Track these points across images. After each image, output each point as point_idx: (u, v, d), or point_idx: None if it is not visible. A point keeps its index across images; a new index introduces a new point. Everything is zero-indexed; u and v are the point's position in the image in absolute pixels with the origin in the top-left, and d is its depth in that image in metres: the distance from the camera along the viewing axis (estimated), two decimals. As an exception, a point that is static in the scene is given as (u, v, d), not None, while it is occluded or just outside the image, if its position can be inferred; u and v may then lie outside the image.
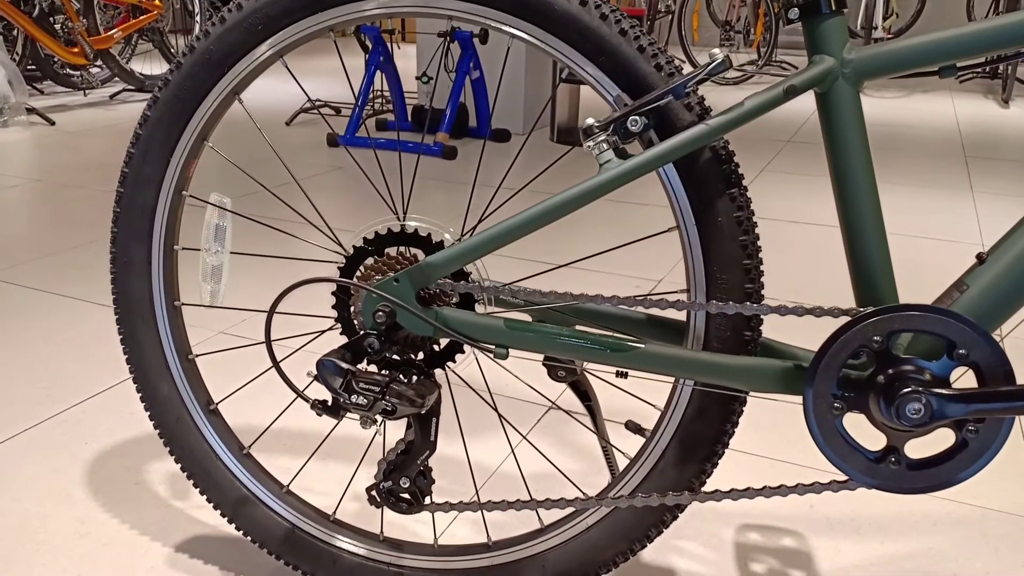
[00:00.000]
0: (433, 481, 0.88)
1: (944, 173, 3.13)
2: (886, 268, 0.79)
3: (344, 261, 0.88)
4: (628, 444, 0.94)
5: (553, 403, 1.11)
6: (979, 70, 5.80)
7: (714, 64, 0.75)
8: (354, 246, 0.87)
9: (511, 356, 0.81)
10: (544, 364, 1.00)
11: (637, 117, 0.78)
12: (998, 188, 2.92)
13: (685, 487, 0.86)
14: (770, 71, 6.13)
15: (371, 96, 3.78)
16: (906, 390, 0.73)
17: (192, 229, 0.96)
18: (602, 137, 0.79)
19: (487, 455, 1.26)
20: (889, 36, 5.44)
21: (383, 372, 0.85)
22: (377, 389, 0.80)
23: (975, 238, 2.35)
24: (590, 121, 0.79)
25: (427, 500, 0.87)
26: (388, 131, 3.69)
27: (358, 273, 0.88)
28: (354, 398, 0.80)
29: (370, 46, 3.53)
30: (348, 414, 0.83)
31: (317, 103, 3.95)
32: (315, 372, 0.82)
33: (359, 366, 0.84)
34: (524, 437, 1.31)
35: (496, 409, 1.03)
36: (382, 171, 1.00)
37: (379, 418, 0.81)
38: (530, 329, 0.82)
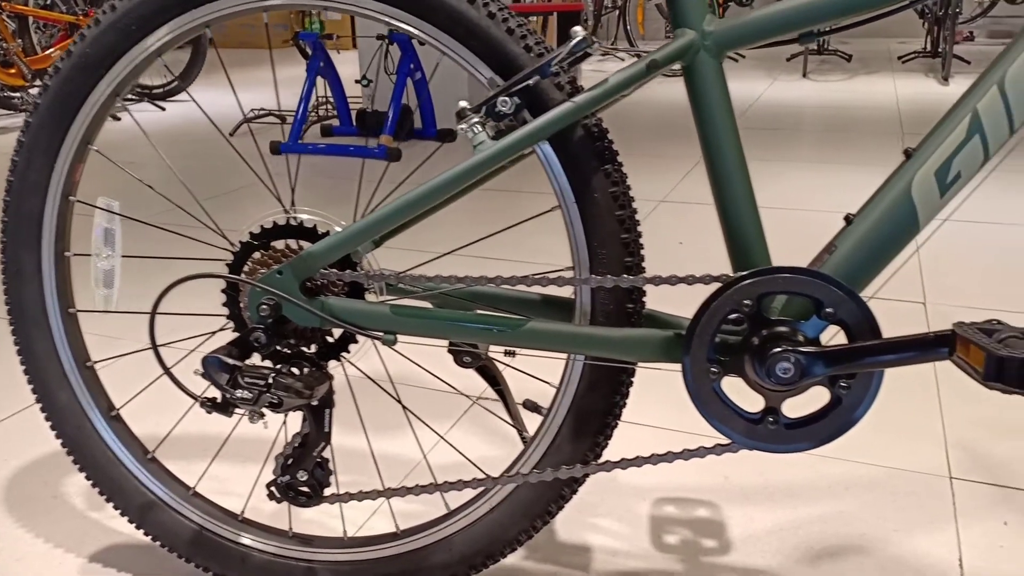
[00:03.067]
0: (331, 472, 0.88)
1: (882, 151, 3.19)
2: (757, 234, 0.81)
3: (232, 257, 0.88)
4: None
5: (475, 400, 1.12)
6: (921, 50, 5.92)
7: (575, 43, 0.76)
8: (241, 241, 0.87)
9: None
10: (449, 351, 1.00)
11: (507, 98, 0.79)
12: (931, 163, 2.98)
13: (580, 460, 0.87)
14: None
15: (315, 102, 3.77)
16: (776, 350, 0.75)
17: (85, 235, 0.95)
18: (475, 119, 0.80)
19: (410, 448, 1.27)
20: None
21: (276, 366, 0.85)
22: (262, 383, 0.80)
23: (905, 212, 2.40)
24: (463, 104, 0.80)
25: (327, 491, 0.88)
26: (334, 136, 3.68)
27: (246, 268, 0.88)
28: (239, 393, 0.80)
29: (310, 52, 3.52)
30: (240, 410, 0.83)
31: (260, 112, 3.92)
32: (202, 370, 0.82)
33: (251, 361, 0.84)
34: (441, 436, 1.31)
35: (400, 401, 1.03)
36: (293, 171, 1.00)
37: (266, 411, 0.81)
38: (416, 315, 0.82)
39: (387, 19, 0.83)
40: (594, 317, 0.84)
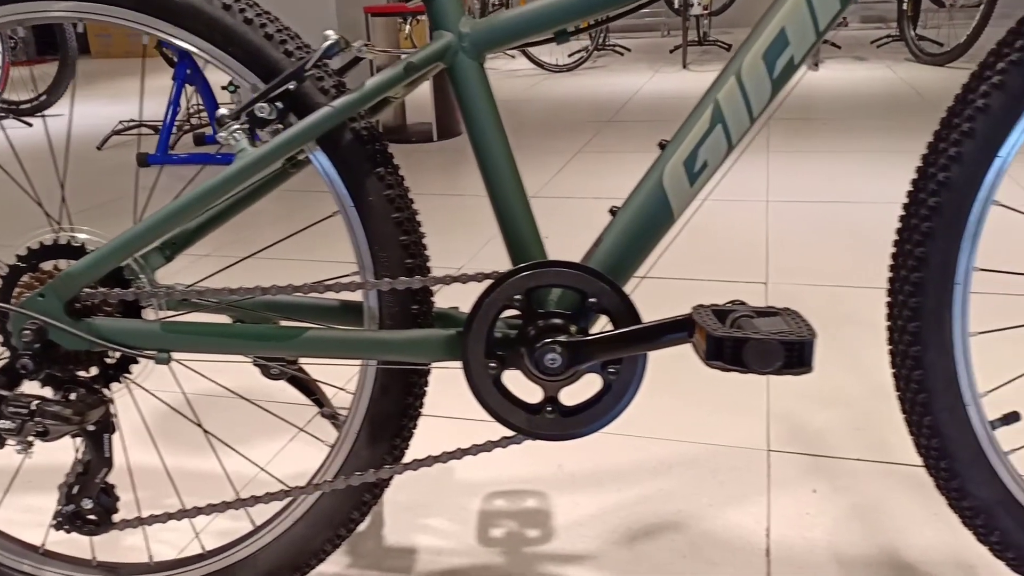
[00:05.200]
0: (118, 498, 0.85)
1: (747, 138, 3.32)
2: (531, 229, 0.82)
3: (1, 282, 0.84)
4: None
5: (301, 429, 1.10)
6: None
7: (326, 46, 0.76)
8: (8, 264, 0.83)
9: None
10: (255, 364, 0.99)
11: (266, 104, 0.78)
12: (791, 146, 3.12)
13: (379, 464, 0.87)
14: (604, 55, 6.32)
15: (188, 111, 3.65)
16: (542, 342, 0.77)
17: None
18: (235, 127, 0.78)
19: (236, 465, 1.24)
20: (706, 13, 5.71)
21: (56, 392, 0.82)
22: (25, 411, 0.77)
23: (761, 195, 2.50)
24: (222, 111, 0.79)
25: (115, 518, 0.85)
26: (207, 145, 3.57)
27: (16, 291, 0.84)
28: (1, 423, 0.77)
29: (176, 60, 3.40)
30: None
31: (131, 124, 3.77)
32: (-37, 401, 0.78)
33: (23, 388, 0.80)
34: (243, 456, 1.29)
35: (200, 424, 1.01)
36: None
37: (33, 441, 0.78)
38: (190, 331, 0.81)
39: (143, 28, 0.81)
40: (382, 320, 0.84)
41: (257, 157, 0.77)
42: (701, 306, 0.72)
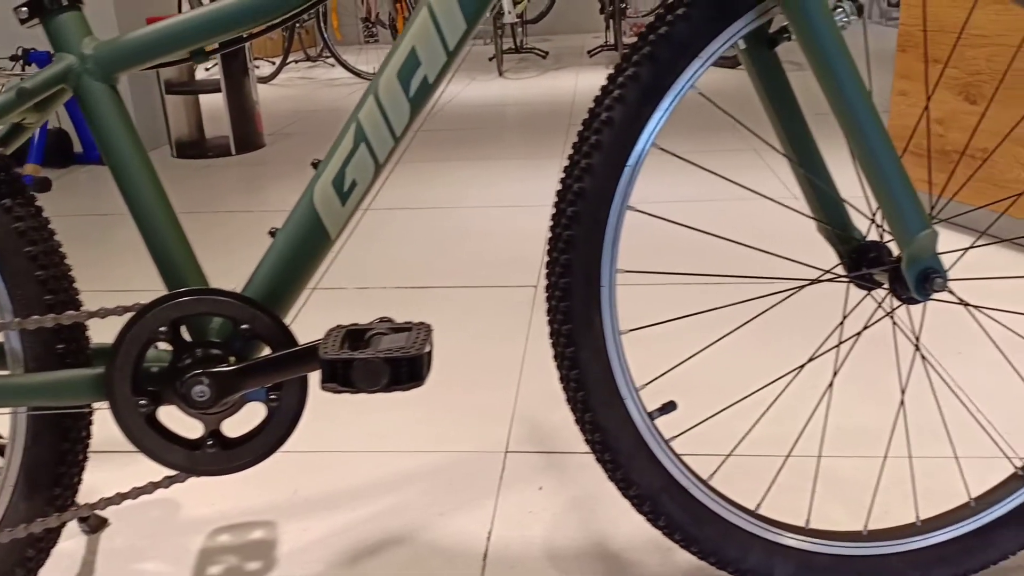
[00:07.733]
0: None
1: (546, 143, 3.42)
2: (185, 255, 0.79)
3: None
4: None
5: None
6: (604, 44, 6.45)
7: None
8: None
9: None
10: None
11: None
12: (586, 150, 3.24)
13: (39, 516, 0.81)
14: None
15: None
16: (188, 375, 0.74)
17: None
18: None
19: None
20: (520, 21, 5.85)
21: None
22: None
23: (548, 199, 2.58)
24: None
25: None
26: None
27: None
28: None
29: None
30: None
31: None
32: None
33: None
34: None
35: None
36: None
37: None
38: None
39: None
40: (27, 363, 0.78)
41: None
42: (339, 327, 0.72)
